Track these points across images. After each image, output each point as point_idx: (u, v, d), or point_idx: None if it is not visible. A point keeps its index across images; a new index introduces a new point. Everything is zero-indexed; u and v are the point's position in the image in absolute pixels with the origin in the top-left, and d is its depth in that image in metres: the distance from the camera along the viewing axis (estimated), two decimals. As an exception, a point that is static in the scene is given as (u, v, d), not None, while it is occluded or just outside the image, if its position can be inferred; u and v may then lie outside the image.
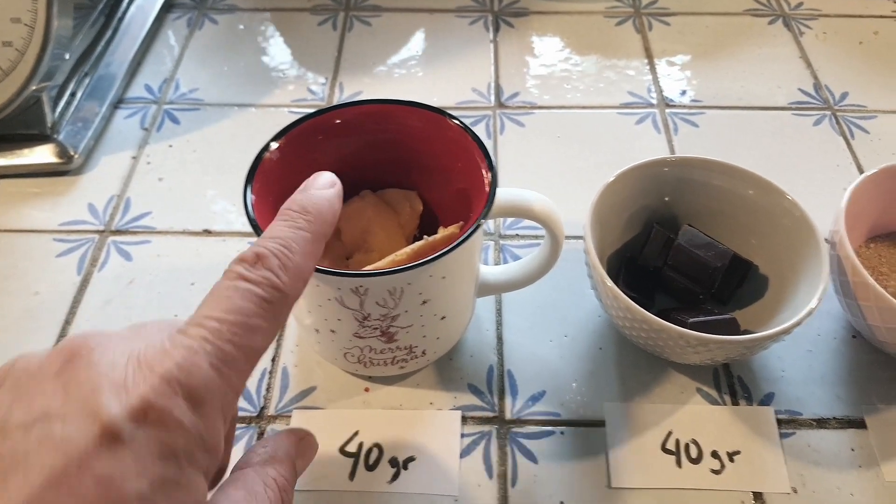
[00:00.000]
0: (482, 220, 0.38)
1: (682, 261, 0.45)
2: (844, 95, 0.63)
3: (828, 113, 0.62)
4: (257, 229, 0.35)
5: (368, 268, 0.38)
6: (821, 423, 0.43)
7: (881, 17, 0.71)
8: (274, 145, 0.40)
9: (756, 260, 0.47)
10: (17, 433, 0.19)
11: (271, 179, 0.40)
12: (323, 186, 0.27)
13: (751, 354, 0.42)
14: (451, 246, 0.36)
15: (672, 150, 0.58)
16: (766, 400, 0.44)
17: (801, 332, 0.47)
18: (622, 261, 0.48)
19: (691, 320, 0.42)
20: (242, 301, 0.23)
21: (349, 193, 0.46)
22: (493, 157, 0.39)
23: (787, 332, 0.39)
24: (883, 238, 0.49)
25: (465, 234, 0.37)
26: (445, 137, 0.42)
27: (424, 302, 0.39)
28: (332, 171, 0.43)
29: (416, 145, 0.43)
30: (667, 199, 0.48)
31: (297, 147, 0.41)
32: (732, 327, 0.42)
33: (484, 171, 0.39)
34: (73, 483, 0.19)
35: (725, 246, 0.45)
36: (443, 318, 0.41)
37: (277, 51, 0.68)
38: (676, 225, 0.48)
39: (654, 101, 0.63)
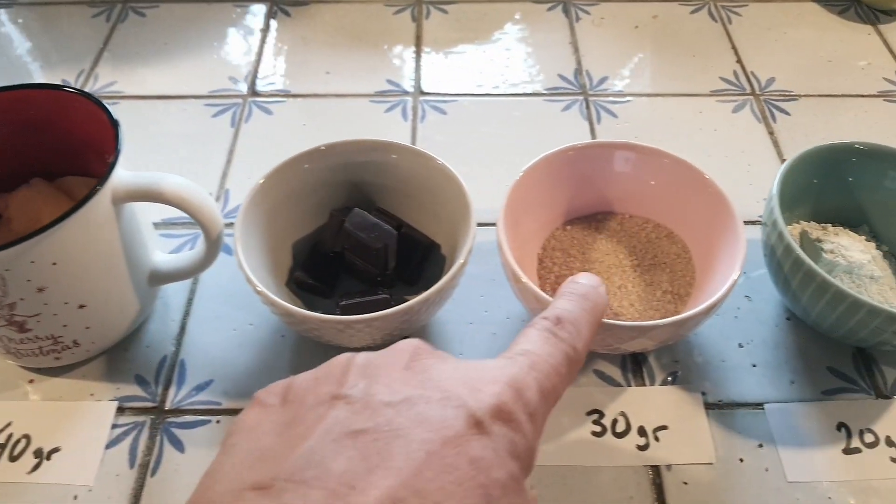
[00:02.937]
0: (88, 202, 0.37)
1: (353, 244, 0.44)
2: (603, 80, 0.63)
3: (580, 98, 0.61)
4: None
5: None
6: (484, 406, 0.43)
7: (663, 0, 0.71)
8: None
9: (440, 238, 0.46)
10: (387, 410, 0.21)
11: None
12: (595, 285, 0.30)
13: (403, 332, 0.41)
14: (30, 233, 0.35)
15: (413, 138, 0.58)
16: (435, 384, 0.43)
17: (488, 315, 0.47)
18: (310, 248, 0.47)
19: (342, 303, 0.42)
20: (555, 350, 0.25)
21: (18, 182, 0.45)
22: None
23: (411, 310, 0.38)
24: (581, 220, 0.49)
25: (54, 221, 0.36)
26: (87, 119, 0.41)
27: (41, 289, 0.38)
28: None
29: (62, 129, 0.42)
30: (357, 182, 0.47)
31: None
32: (383, 306, 0.41)
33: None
34: (450, 460, 0.20)
35: (391, 227, 0.44)
36: (81, 306, 0.40)
37: (43, 44, 0.67)
38: (369, 208, 0.47)
39: (411, 90, 0.62)
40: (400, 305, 0.38)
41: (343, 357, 0.25)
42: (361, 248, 0.44)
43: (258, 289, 0.39)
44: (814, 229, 0.46)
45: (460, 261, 0.40)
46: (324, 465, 0.20)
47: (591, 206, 0.49)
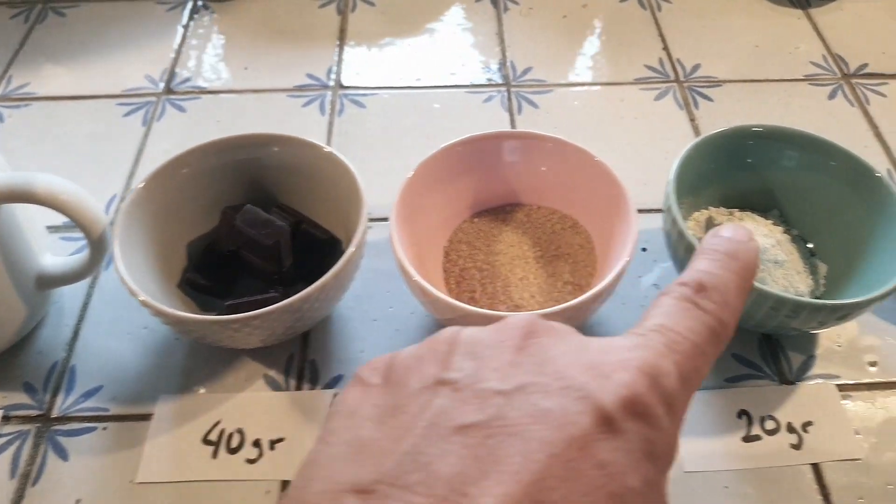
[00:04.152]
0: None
1: (245, 242, 0.43)
2: (527, 71, 0.62)
3: (503, 89, 0.60)
4: None
5: None
6: (381, 404, 0.42)
7: (594, -10, 0.70)
8: None
9: (343, 233, 0.45)
10: (497, 399, 0.19)
11: None
12: (744, 240, 0.24)
13: (295, 329, 0.40)
14: None
15: (329, 133, 0.57)
16: (332, 383, 0.43)
17: (393, 311, 0.46)
18: (204, 247, 0.46)
19: (228, 303, 0.41)
20: (697, 324, 0.21)
21: None
22: None
23: (292, 307, 0.37)
24: (489, 212, 0.48)
25: None
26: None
27: None
28: None
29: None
30: (255, 178, 0.46)
31: None
32: (270, 304, 0.40)
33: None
34: (576, 465, 0.17)
35: (285, 223, 0.43)
36: (-42, 312, 0.39)
37: (-43, 45, 0.65)
38: (269, 204, 0.46)
39: (330, 84, 0.61)
40: (279, 303, 0.37)
41: (448, 332, 0.22)
42: (254, 246, 0.43)
43: (132, 288, 0.37)
44: (720, 215, 0.45)
45: (351, 250, 0.39)
46: (430, 468, 0.18)
47: (499, 198, 0.48)
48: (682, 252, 0.39)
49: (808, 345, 0.44)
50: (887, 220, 0.41)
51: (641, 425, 0.19)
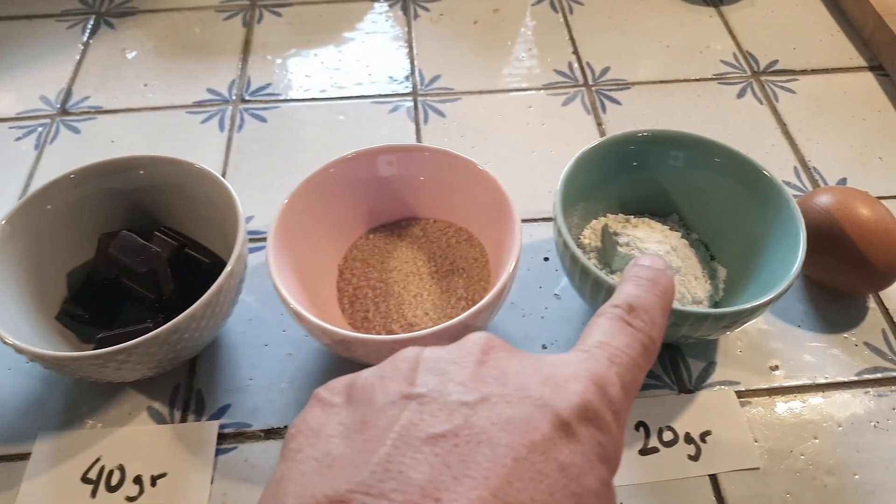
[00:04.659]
0: None
1: (121, 269, 0.41)
2: (435, 79, 0.61)
3: (409, 99, 0.59)
4: None
5: None
6: (270, 433, 0.40)
7: (507, -7, 0.70)
8: None
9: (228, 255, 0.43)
10: (463, 409, 0.20)
11: None
12: (662, 268, 0.27)
13: (173, 360, 0.38)
14: None
15: (228, 150, 0.55)
16: (219, 413, 0.41)
17: (286, 335, 0.44)
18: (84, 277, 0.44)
19: (99, 336, 0.39)
20: (632, 340, 0.23)
21: None
22: None
23: (157, 339, 0.35)
24: (385, 228, 0.47)
25: None
26: None
27: None
28: None
29: None
30: (136, 202, 0.44)
31: None
32: (141, 335, 0.38)
33: None
34: (540, 467, 0.19)
35: (163, 248, 0.41)
36: None
37: None
38: (151, 229, 0.44)
39: (232, 98, 0.59)
40: (143, 336, 0.35)
41: (410, 352, 0.23)
42: (130, 274, 0.41)
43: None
44: (616, 222, 0.45)
45: (227, 270, 0.37)
46: (404, 475, 0.18)
47: (395, 213, 0.47)
48: (568, 261, 0.38)
49: (708, 351, 0.43)
50: (780, 221, 0.41)
51: (594, 430, 0.20)
